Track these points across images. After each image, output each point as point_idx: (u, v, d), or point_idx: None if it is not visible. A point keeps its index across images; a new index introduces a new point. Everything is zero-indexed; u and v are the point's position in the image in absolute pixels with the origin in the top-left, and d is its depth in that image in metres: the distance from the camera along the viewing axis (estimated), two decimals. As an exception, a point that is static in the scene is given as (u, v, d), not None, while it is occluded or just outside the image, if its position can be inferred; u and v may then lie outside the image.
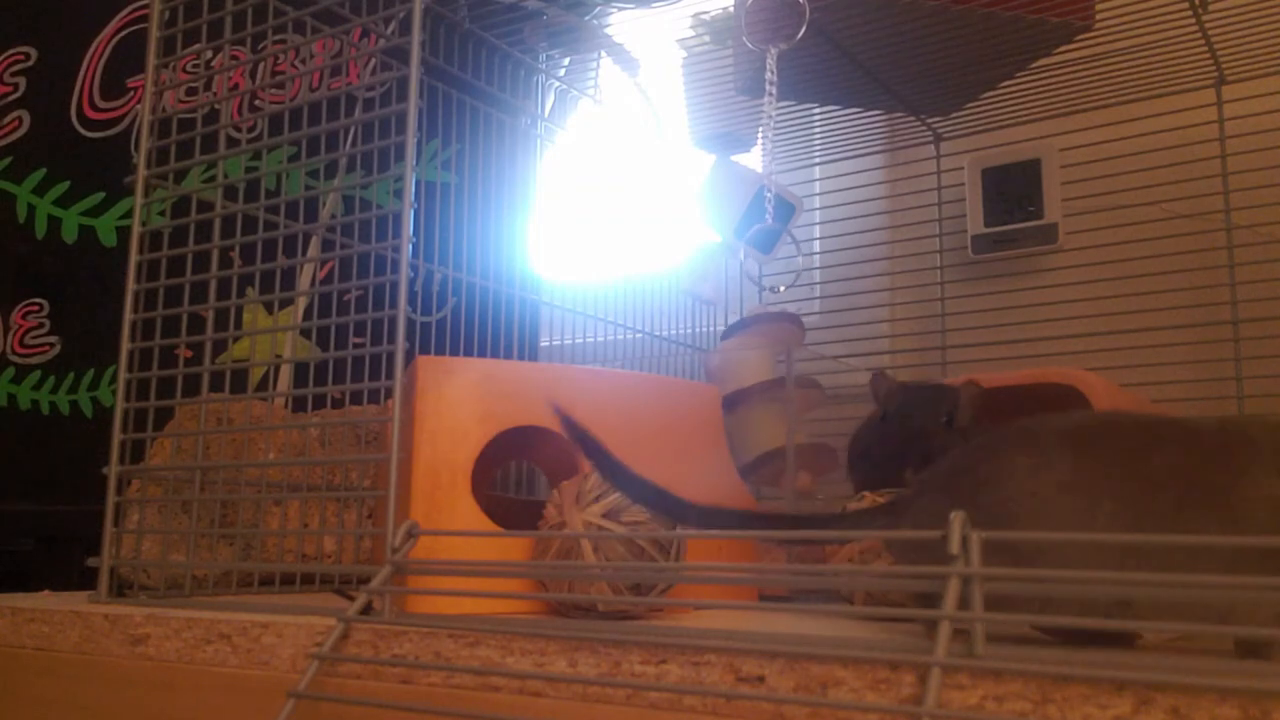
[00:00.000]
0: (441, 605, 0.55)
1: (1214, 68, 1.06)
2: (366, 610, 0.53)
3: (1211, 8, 0.95)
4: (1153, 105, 1.13)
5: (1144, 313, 1.11)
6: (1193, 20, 0.96)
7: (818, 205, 1.40)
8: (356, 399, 0.91)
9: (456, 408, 0.61)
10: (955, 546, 0.40)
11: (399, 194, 0.60)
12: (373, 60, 1.12)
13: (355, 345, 0.63)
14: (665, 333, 1.31)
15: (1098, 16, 0.95)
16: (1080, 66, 1.08)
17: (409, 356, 0.63)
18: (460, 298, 1.04)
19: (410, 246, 0.59)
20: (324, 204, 0.96)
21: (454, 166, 1.11)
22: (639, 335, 1.27)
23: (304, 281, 0.99)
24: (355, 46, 0.99)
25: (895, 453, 0.62)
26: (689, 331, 1.34)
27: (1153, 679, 0.33)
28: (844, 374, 1.30)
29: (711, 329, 1.34)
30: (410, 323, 0.98)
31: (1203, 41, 1.00)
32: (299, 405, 0.89)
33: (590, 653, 0.44)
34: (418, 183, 1.04)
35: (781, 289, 1.03)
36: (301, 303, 1.05)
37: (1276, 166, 1.07)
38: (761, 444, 0.78)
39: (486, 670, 0.46)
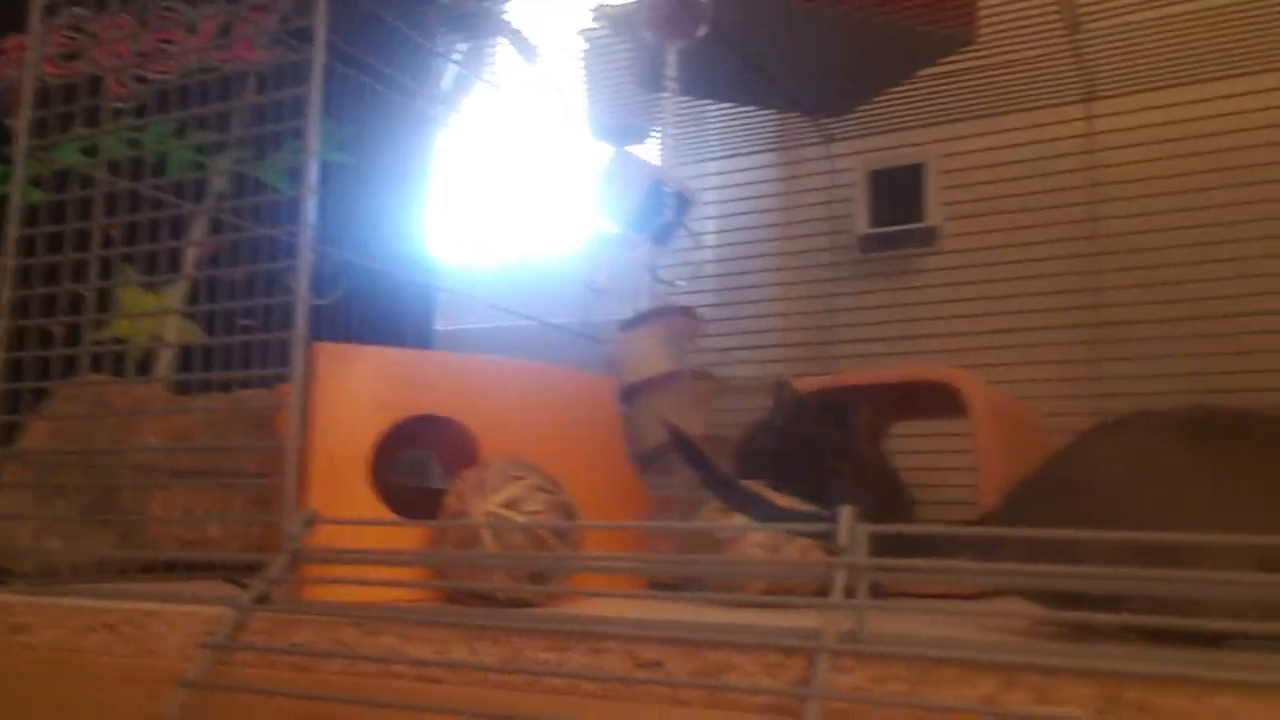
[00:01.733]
0: (340, 593, 0.54)
1: (1084, 84, 1.13)
2: (262, 598, 0.52)
3: (1083, 28, 1.01)
4: (1028, 117, 1.19)
5: (1014, 314, 1.17)
6: (1066, 39, 1.02)
7: (712, 200, 1.43)
8: (245, 384, 0.89)
9: (356, 396, 0.61)
10: (845, 539, 0.42)
11: (294, 175, 0.59)
12: (267, 36, 1.09)
13: (243, 329, 0.62)
14: (560, 321, 1.32)
15: (979, 31, 1.00)
16: (962, 77, 1.13)
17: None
18: (353, 281, 1.02)
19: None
20: (214, 182, 0.94)
21: (349, 147, 1.09)
22: (534, 323, 1.28)
23: (190, 263, 0.96)
24: (251, 22, 0.96)
25: (787, 461, 0.64)
26: (584, 320, 1.35)
27: (1017, 661, 0.36)
28: (734, 366, 1.33)
29: (606, 319, 1.36)
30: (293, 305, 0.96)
31: (1075, 59, 1.06)
32: (183, 389, 0.87)
33: (492, 641, 0.45)
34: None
35: (680, 283, 1.05)
36: (180, 288, 1.01)
37: (1140, 179, 1.15)
38: (659, 435, 0.80)
39: (387, 658, 0.46)
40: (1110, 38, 1.03)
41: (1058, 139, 1.17)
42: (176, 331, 0.99)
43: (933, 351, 1.22)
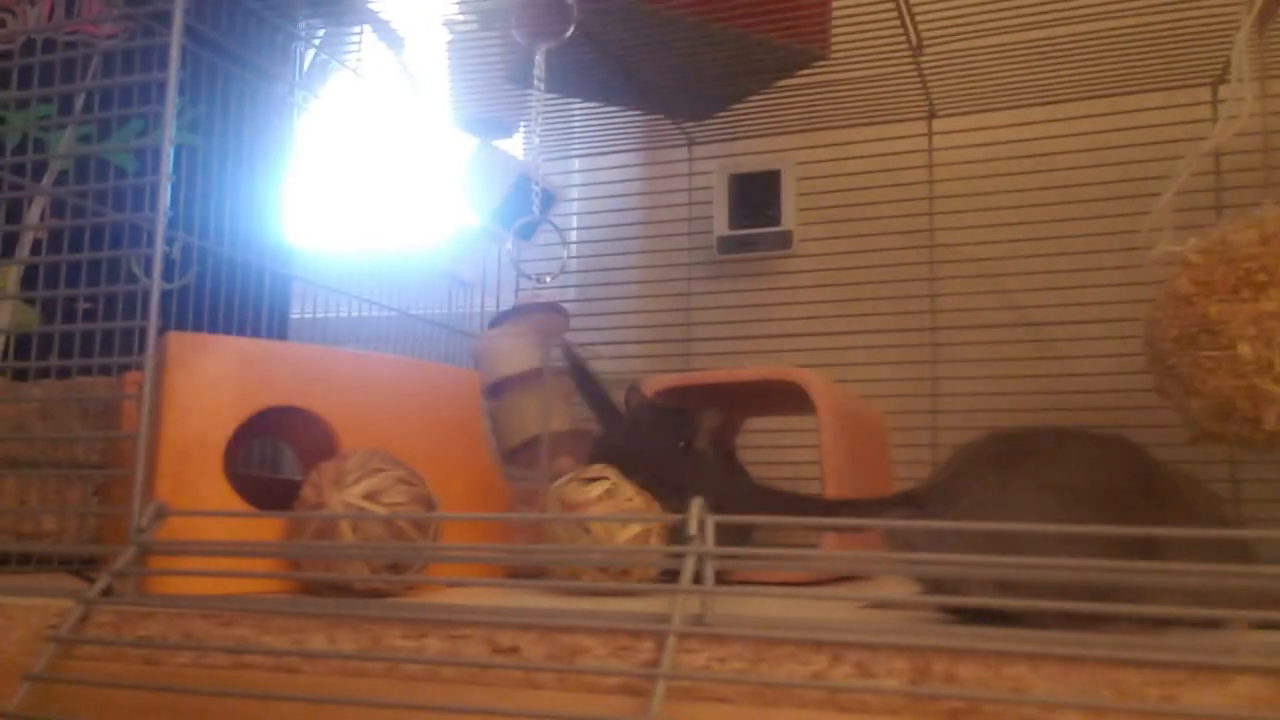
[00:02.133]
0: (192, 586, 0.54)
1: (926, 102, 1.20)
2: (108, 591, 0.51)
3: (926, 51, 1.08)
4: (876, 130, 1.26)
5: (860, 317, 1.24)
6: (911, 59, 1.09)
7: (576, 197, 1.45)
8: (85, 372, 0.85)
9: (209, 386, 0.60)
10: (694, 528, 0.45)
11: (140, 156, 0.58)
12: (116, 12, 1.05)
13: (86, 314, 0.60)
14: (421, 312, 1.31)
15: (833, 47, 1.05)
16: (817, 90, 1.19)
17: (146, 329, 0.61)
18: (204, 267, 0.99)
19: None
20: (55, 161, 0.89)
21: (200, 128, 1.05)
22: (394, 314, 1.27)
23: (25, 244, 0.91)
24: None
25: (633, 462, 0.68)
26: (446, 312, 1.34)
27: (843, 639, 0.39)
28: (595, 362, 1.36)
29: (469, 311, 1.36)
30: (146, 292, 0.93)
31: (918, 79, 1.13)
32: (19, 376, 0.83)
33: (351, 629, 0.46)
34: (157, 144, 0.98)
35: (548, 279, 1.07)
36: (15, 269, 0.96)
37: (974, 194, 1.23)
38: (525, 430, 0.81)
39: (240, 649, 0.46)
40: (950, 61, 1.10)
41: (902, 153, 1.24)
42: (10, 316, 0.94)
43: (786, 351, 1.27)
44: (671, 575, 0.62)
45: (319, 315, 1.20)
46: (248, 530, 0.59)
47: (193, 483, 0.59)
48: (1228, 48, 0.84)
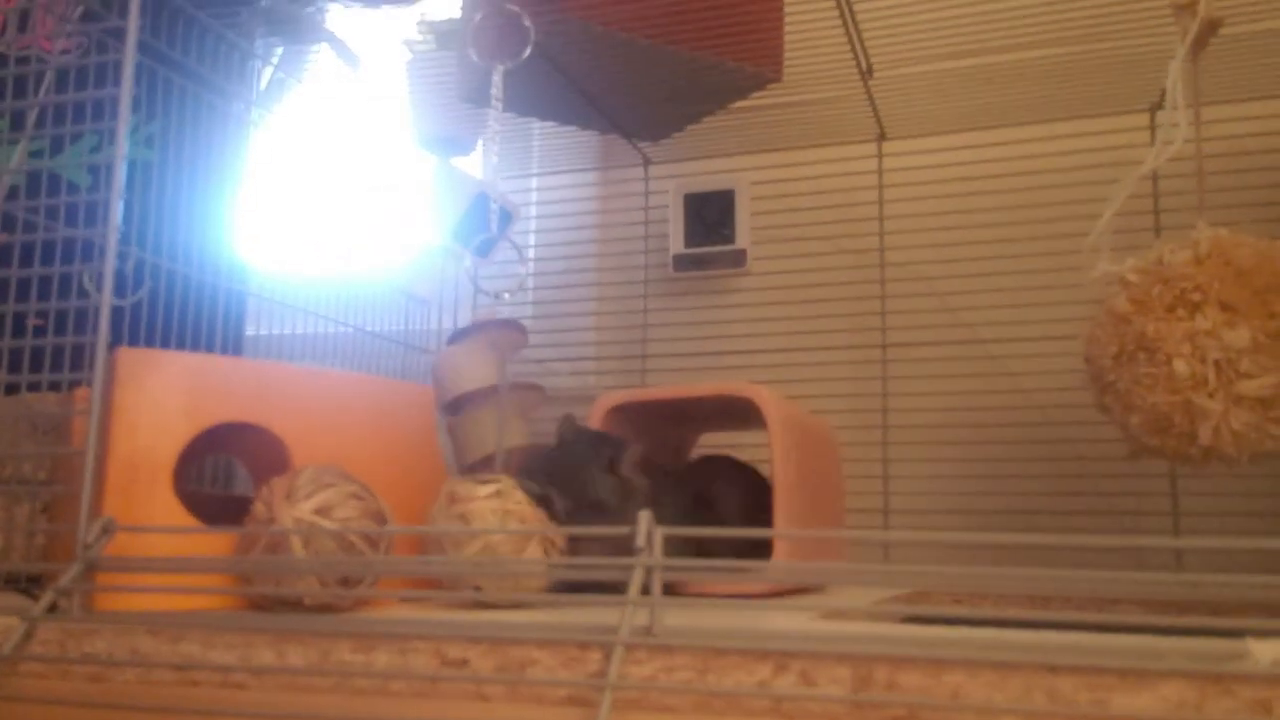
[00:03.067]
0: (140, 603, 0.54)
1: (876, 125, 1.23)
2: (53, 608, 0.51)
3: (876, 75, 1.10)
4: (828, 152, 1.29)
5: (812, 334, 1.26)
6: (861, 83, 1.11)
7: (534, 215, 1.46)
8: (34, 388, 0.84)
9: (159, 402, 0.60)
10: (642, 540, 0.46)
11: (93, 170, 0.58)
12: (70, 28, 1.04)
13: (35, 330, 0.60)
14: (378, 329, 1.31)
15: (786, 71, 1.07)
16: (771, 111, 1.21)
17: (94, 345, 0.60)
18: (157, 282, 0.99)
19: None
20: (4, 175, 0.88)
21: (156, 144, 1.05)
22: (350, 330, 1.27)
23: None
24: (52, 12, 0.92)
25: (557, 478, 0.70)
26: (402, 329, 1.34)
27: (787, 648, 0.40)
28: (551, 379, 1.36)
29: (425, 328, 1.36)
30: (96, 308, 0.92)
31: (868, 102, 1.16)
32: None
33: (299, 644, 0.46)
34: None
35: (506, 296, 1.07)
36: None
37: (923, 214, 1.26)
38: (484, 446, 0.81)
39: (187, 665, 0.46)
40: (898, 85, 1.13)
41: (854, 173, 1.27)
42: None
43: (741, 367, 1.29)
44: (570, 587, 0.64)
45: (275, 332, 1.20)
46: (198, 546, 0.59)
47: (141, 499, 0.58)
48: (1164, 75, 0.87)
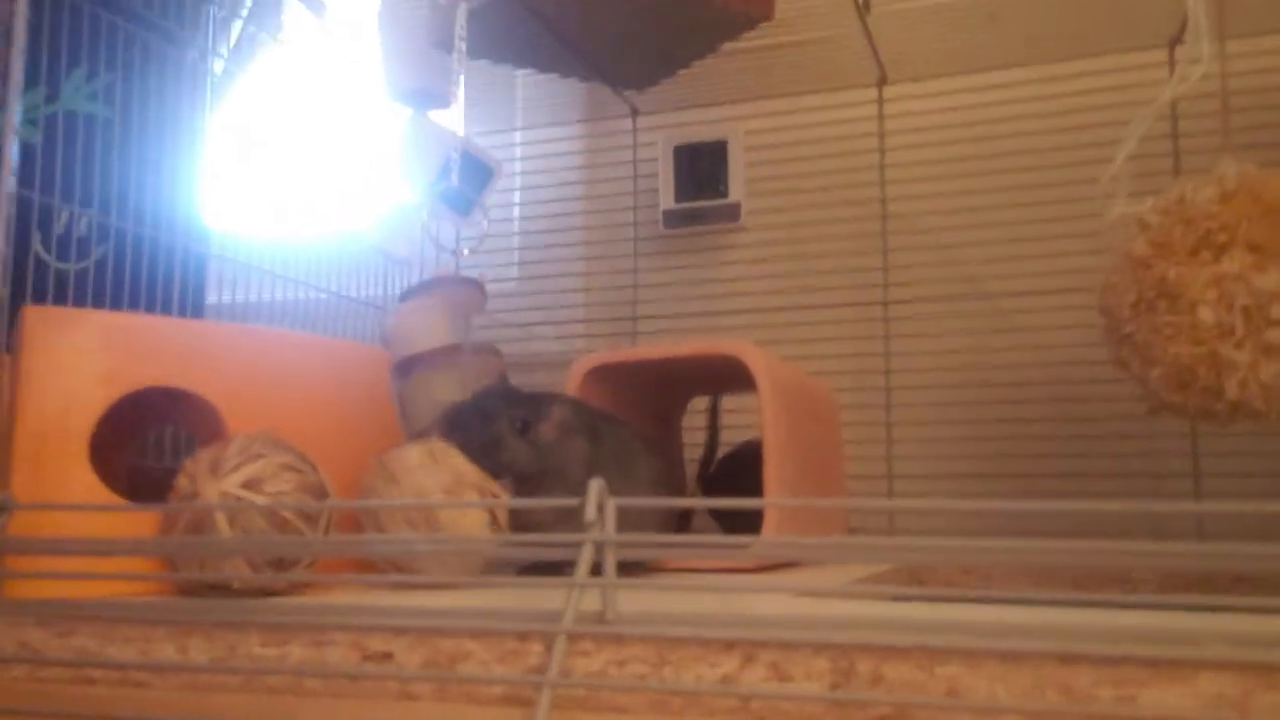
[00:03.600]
0: (46, 590, 0.48)
1: (877, 68, 1.15)
2: (-62, 599, 0.45)
3: (875, 12, 1.03)
4: (826, 98, 1.21)
5: (810, 291, 1.19)
6: (858, 20, 1.04)
7: (518, 171, 1.39)
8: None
9: (71, 366, 0.54)
10: (592, 513, 0.40)
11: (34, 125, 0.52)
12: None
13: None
14: (354, 293, 1.25)
15: (778, 8, 1.00)
16: (763, 55, 1.13)
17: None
18: (108, 244, 0.93)
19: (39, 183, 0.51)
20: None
21: (106, 98, 0.98)
22: (324, 295, 1.21)
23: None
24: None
25: (461, 437, 0.63)
26: (380, 293, 1.28)
27: (756, 636, 0.34)
28: (535, 342, 1.30)
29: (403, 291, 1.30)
30: (43, 269, 0.86)
31: (867, 42, 1.08)
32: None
33: (203, 637, 0.40)
34: (61, 114, 0.91)
35: (466, 252, 1.01)
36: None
37: (927, 162, 1.19)
38: (436, 411, 0.76)
39: (81, 661, 0.41)
40: (899, 21, 1.06)
41: (852, 120, 1.20)
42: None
43: (736, 327, 1.22)
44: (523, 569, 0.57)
45: (241, 300, 1.13)
46: (116, 526, 0.53)
47: (52, 473, 0.52)
48: (1182, 7, 0.80)
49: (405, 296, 0.83)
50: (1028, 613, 0.36)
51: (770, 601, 0.42)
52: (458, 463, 0.58)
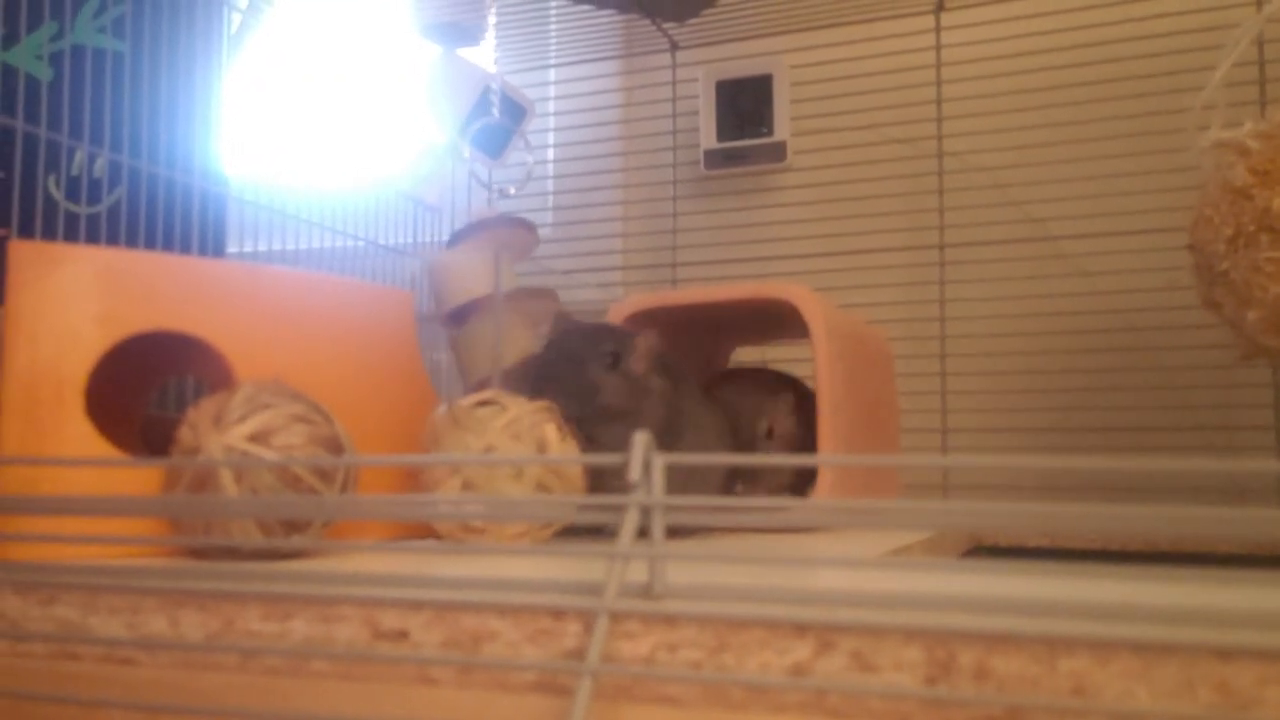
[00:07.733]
0: (35, 554, 0.43)
1: (935, -10, 1.07)
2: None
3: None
4: (877, 28, 1.13)
5: (861, 235, 1.12)
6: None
7: (552, 110, 1.32)
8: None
9: (65, 306, 0.49)
10: (637, 472, 0.34)
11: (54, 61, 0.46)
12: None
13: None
14: (384, 240, 1.19)
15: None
16: (812, -20, 1.06)
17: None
18: (121, 186, 0.88)
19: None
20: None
21: (121, 31, 0.93)
22: (351, 242, 1.16)
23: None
24: None
25: (544, 386, 0.57)
26: (410, 241, 1.23)
27: (834, 620, 0.29)
28: (571, 290, 1.25)
29: (436, 238, 1.24)
30: (53, 212, 0.82)
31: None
32: None
33: (197, 609, 0.35)
34: (70, 49, 0.86)
35: (512, 190, 0.95)
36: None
37: (987, 95, 1.11)
38: (505, 358, 0.70)
39: (62, 636, 0.36)
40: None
41: (906, 51, 1.12)
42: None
43: (781, 274, 1.16)
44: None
45: (264, 248, 1.09)
46: (120, 482, 0.49)
47: (45, 425, 0.48)
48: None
49: (454, 240, 0.78)
50: (1164, 589, 0.30)
51: (846, 576, 0.37)
52: (533, 413, 0.53)
